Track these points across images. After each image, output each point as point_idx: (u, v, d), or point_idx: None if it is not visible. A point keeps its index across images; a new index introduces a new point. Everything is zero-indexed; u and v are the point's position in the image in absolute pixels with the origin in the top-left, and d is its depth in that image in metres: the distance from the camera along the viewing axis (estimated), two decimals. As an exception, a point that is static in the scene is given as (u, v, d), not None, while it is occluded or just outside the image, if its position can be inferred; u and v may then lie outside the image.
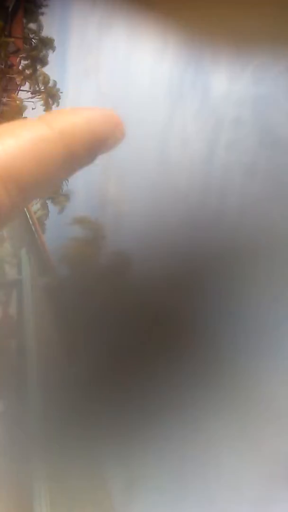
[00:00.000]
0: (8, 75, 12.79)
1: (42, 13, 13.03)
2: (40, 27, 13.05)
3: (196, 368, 5.79)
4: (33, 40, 13.04)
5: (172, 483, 5.18)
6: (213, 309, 6.97)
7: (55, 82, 13.61)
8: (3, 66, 12.24)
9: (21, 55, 12.95)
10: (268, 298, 6.09)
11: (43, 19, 12.91)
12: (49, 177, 0.56)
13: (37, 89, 13.24)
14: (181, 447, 5.30)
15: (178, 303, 7.20)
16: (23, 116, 13.48)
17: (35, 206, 13.37)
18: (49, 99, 13.14)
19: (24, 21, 12.85)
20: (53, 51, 13.51)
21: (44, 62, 13.31)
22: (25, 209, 10.81)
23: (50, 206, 13.78)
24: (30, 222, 10.70)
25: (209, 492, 5.06)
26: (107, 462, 5.29)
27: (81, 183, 13.26)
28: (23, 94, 13.31)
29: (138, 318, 7.48)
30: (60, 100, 13.27)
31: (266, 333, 5.92)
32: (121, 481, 5.15)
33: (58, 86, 13.39)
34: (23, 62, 13.12)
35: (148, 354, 6.66)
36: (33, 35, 12.99)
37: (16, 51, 12.75)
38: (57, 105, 13.60)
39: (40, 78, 13.26)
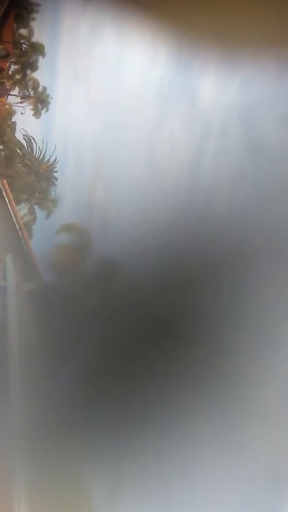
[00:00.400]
0: (-3, 80, 12.79)
1: (33, 19, 13.08)
2: (30, 33, 13.07)
3: (183, 372, 5.75)
4: (23, 45, 13.06)
5: (155, 483, 5.10)
6: (203, 311, 6.95)
7: (44, 88, 13.61)
8: (-8, 70, 12.24)
9: (11, 60, 12.97)
10: (253, 299, 6.09)
11: (34, 24, 12.98)
12: None
13: (27, 94, 13.24)
14: (164, 449, 5.23)
15: (166, 307, 7.16)
16: (12, 120, 13.46)
17: (22, 211, 13.31)
18: (39, 104, 13.15)
19: (15, 26, 12.88)
20: (43, 56, 13.55)
21: (34, 67, 13.31)
22: (11, 213, 10.68)
23: (38, 211, 13.75)
24: (17, 227, 10.59)
25: (192, 494, 5.00)
26: (88, 466, 5.20)
27: (69, 188, 13.22)
28: (13, 98, 13.31)
29: (126, 323, 7.41)
30: (49, 106, 13.31)
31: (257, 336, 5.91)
32: (102, 485, 5.07)
33: (47, 91, 13.43)
34: (13, 67, 13.13)
35: (135, 360, 6.60)
36: (24, 40, 13.01)
37: (6, 56, 12.74)
38: (46, 111, 13.61)
39: (30, 83, 13.27)
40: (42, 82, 13.20)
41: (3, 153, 12.85)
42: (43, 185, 13.51)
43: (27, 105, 13.19)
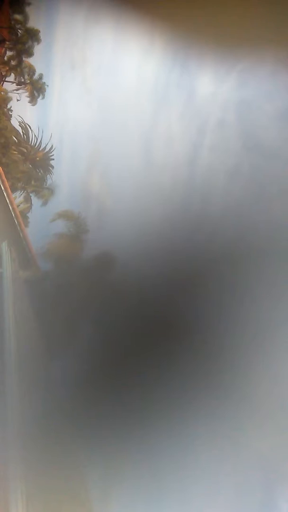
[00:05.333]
0: (-7, 66, 12.63)
1: (29, 4, 12.86)
2: (26, 18, 12.87)
3: (183, 369, 5.87)
4: (19, 30, 12.86)
5: (149, 479, 5.25)
6: (194, 304, 7.06)
7: (41, 75, 13.45)
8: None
9: (7, 46, 12.78)
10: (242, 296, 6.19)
11: (30, 10, 12.76)
12: None
13: (22, 80, 13.09)
14: (159, 445, 5.36)
15: (163, 298, 7.27)
16: (8, 107, 13.32)
17: (18, 199, 13.28)
18: (35, 91, 13.00)
19: (10, 11, 12.65)
20: (38, 42, 13.34)
21: (29, 53, 13.13)
22: (7, 201, 10.68)
23: (34, 199, 13.71)
24: (13, 215, 10.60)
25: (186, 489, 5.15)
26: (85, 459, 5.33)
27: (66, 177, 13.19)
28: (8, 85, 13.16)
29: (122, 312, 7.52)
30: (45, 93, 13.17)
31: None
32: (99, 478, 5.20)
33: (44, 78, 13.27)
34: (9, 53, 12.95)
35: (131, 351, 6.72)
36: (19, 25, 12.81)
37: (2, 42, 12.57)
38: (43, 98, 13.48)
39: (26, 69, 13.11)
40: (38, 69, 13.06)
41: (-2, 140, 12.75)
42: (39, 173, 13.45)
43: (23, 92, 13.06)
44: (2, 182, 10.79)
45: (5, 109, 12.90)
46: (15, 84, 13.16)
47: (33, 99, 13.17)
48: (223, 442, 5.42)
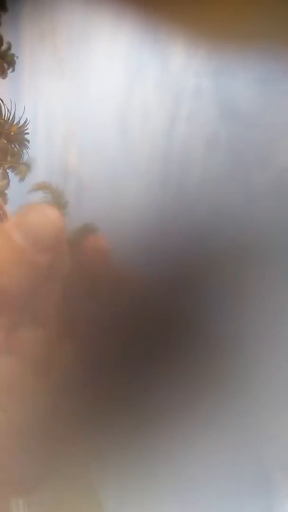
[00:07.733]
0: None
1: None
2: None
3: (180, 349, 6.02)
4: (-17, -1, 12.32)
5: (143, 471, 5.44)
6: (179, 277, 7.21)
7: (9, 44, 13.02)
8: None
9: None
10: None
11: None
12: None
13: (-10, 52, 12.68)
14: (158, 450, 5.52)
15: (146, 281, 7.39)
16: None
17: (-4, 175, 13.14)
18: (4, 64, 12.64)
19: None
20: (6, 11, 12.83)
21: (-4, 23, 12.67)
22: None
23: (11, 175, 13.57)
24: (-9, 192, 10.53)
25: (180, 483, 5.34)
26: (91, 463, 5.44)
27: (42, 151, 13.02)
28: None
29: (108, 294, 7.64)
30: (15, 65, 12.78)
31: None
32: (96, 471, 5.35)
33: (12, 49, 12.86)
34: (-26, 24, 12.48)
35: (123, 345, 6.87)
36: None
37: None
38: (13, 71, 13.08)
39: (-6, 40, 12.72)
40: (6, 39, 12.68)
41: None
42: (15, 148, 13.24)
43: (-9, 65, 12.71)
44: (-23, 159, 10.66)
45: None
46: (-17, 57, 12.79)
47: (2, 72, 12.82)
48: (226, 448, 5.60)
